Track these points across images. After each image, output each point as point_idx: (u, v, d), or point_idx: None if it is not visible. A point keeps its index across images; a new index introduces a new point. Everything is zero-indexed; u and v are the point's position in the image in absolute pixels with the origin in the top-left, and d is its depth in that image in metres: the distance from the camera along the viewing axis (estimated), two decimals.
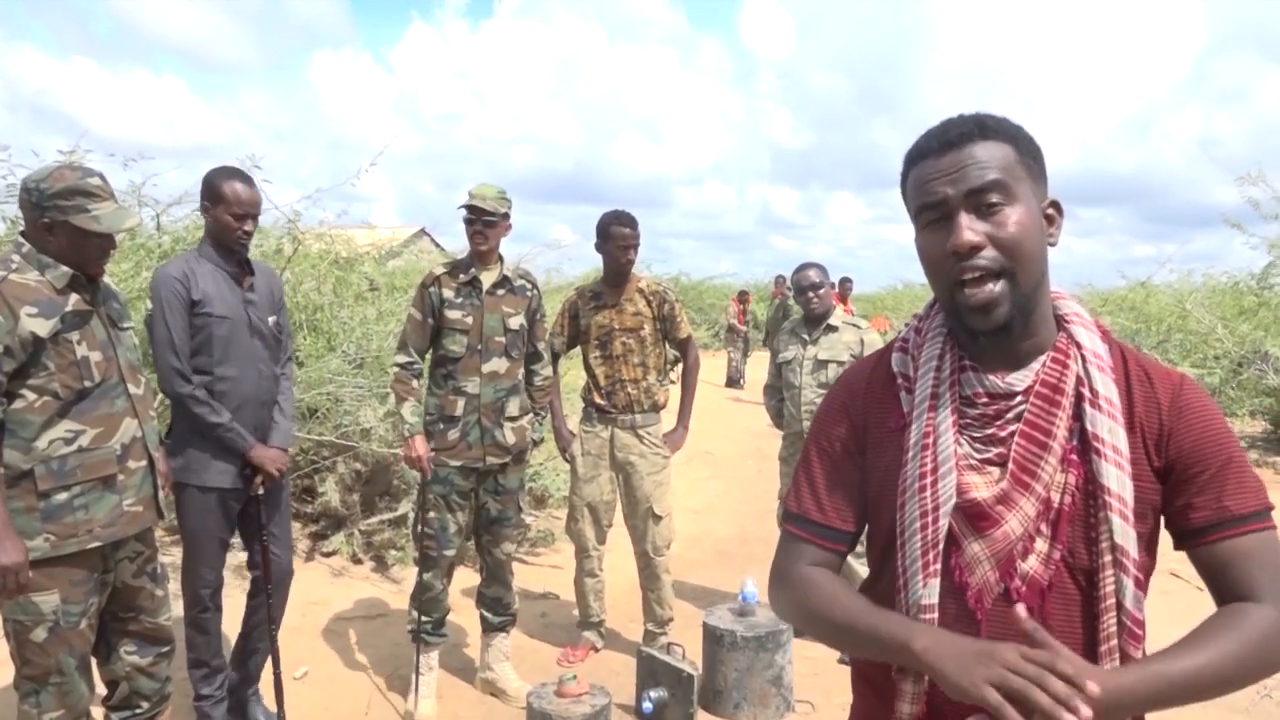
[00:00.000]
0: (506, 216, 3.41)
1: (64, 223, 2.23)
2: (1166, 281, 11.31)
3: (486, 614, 3.63)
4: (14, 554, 2.13)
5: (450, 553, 3.44)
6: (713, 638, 3.51)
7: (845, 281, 12.68)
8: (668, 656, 3.27)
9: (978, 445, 1.11)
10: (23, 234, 2.28)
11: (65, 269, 2.26)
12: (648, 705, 3.15)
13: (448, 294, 3.37)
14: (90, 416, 2.28)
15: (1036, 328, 1.11)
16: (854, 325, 4.23)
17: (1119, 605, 1.05)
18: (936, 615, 1.08)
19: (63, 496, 2.23)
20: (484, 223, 3.34)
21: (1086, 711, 0.90)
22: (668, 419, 4.04)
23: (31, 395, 2.19)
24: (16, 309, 2.15)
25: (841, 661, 3.95)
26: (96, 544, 2.29)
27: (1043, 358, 1.11)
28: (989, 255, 1.04)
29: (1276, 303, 9.37)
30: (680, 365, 4.15)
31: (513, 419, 3.45)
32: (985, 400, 1.11)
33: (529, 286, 3.55)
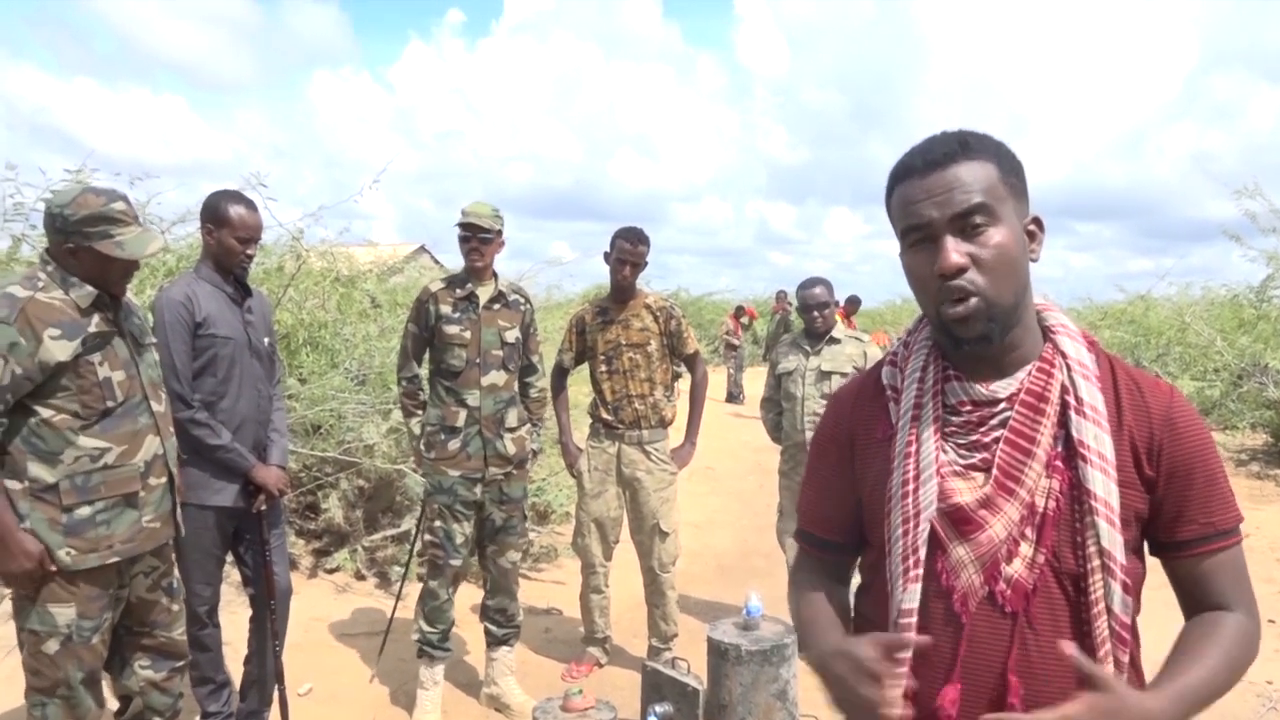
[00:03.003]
0: (500, 233, 3.46)
1: (88, 248, 2.23)
2: (1165, 295, 11.33)
3: (490, 626, 3.63)
4: (25, 559, 2.16)
5: (456, 562, 3.46)
6: (717, 652, 3.51)
7: (852, 301, 12.84)
8: (673, 671, 3.27)
9: (962, 451, 1.13)
10: (48, 251, 2.29)
11: (90, 289, 2.26)
12: None
13: (445, 309, 3.42)
14: (115, 434, 2.29)
15: (1020, 339, 1.13)
16: (856, 338, 4.24)
17: (1108, 610, 1.06)
18: (915, 620, 1.11)
19: (86, 511, 2.25)
20: (479, 240, 3.40)
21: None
22: (675, 435, 4.05)
23: (49, 412, 2.20)
24: (40, 332, 2.16)
25: None
26: (115, 559, 2.31)
27: (1028, 367, 1.13)
28: (972, 277, 1.06)
29: (1276, 315, 9.37)
30: (686, 380, 4.16)
31: (512, 430, 3.50)
32: (969, 408, 1.14)
33: (522, 300, 3.61)
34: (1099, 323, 11.29)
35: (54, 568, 2.21)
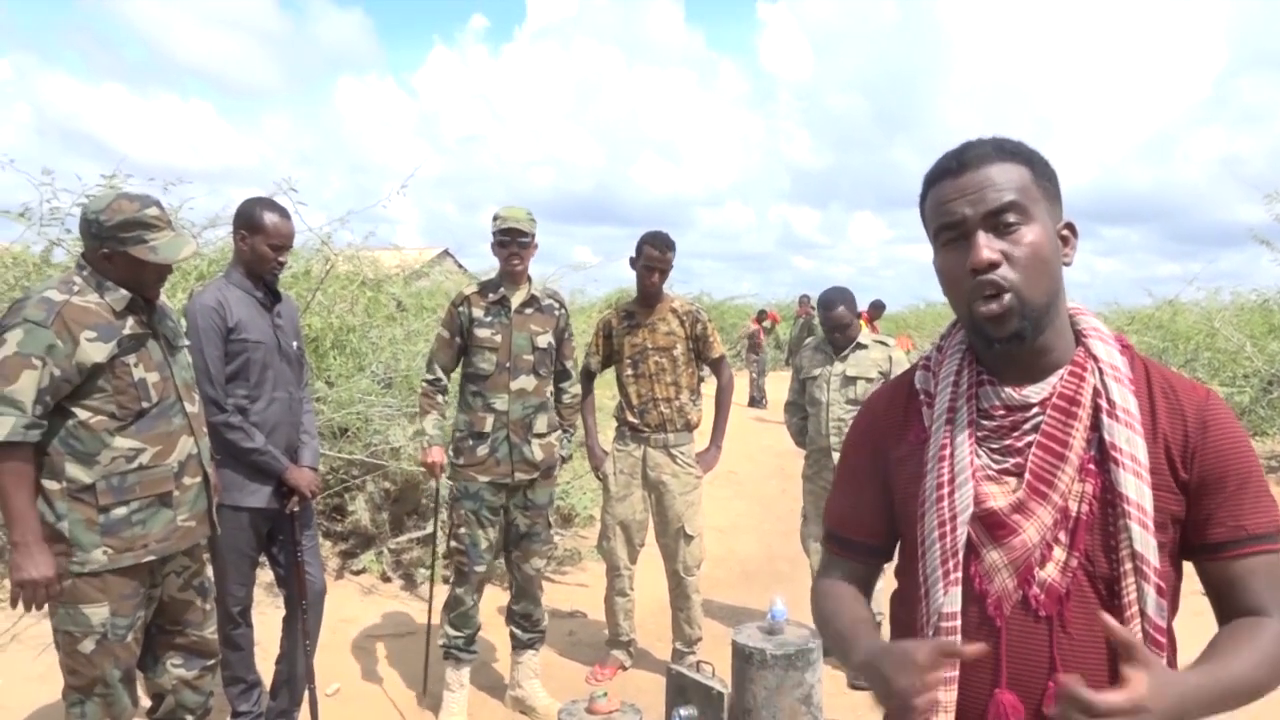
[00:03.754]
0: (535, 237, 3.48)
1: (123, 253, 2.28)
2: (1194, 300, 11.20)
3: (516, 630, 3.66)
4: (44, 568, 2.18)
5: (481, 568, 3.48)
6: (742, 656, 3.51)
7: (875, 305, 12.77)
8: (697, 675, 3.28)
9: (995, 456, 1.13)
10: (84, 256, 2.34)
11: (124, 292, 2.31)
12: None
13: (477, 313, 3.45)
14: (150, 435, 2.34)
15: (1052, 342, 1.13)
16: (882, 343, 4.21)
17: (1142, 613, 1.06)
18: (959, 623, 1.11)
19: (121, 511, 2.29)
20: (519, 244, 3.42)
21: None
22: (700, 439, 4.06)
23: (85, 414, 2.24)
24: (77, 334, 2.21)
25: (853, 686, 3.94)
26: (150, 558, 2.35)
27: (1060, 371, 1.13)
28: (1004, 273, 1.07)
29: None
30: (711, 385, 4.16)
31: (540, 436, 3.50)
32: (1002, 413, 1.14)
33: (557, 306, 3.61)
34: (1126, 328, 11.19)
35: (61, 587, 2.23)
